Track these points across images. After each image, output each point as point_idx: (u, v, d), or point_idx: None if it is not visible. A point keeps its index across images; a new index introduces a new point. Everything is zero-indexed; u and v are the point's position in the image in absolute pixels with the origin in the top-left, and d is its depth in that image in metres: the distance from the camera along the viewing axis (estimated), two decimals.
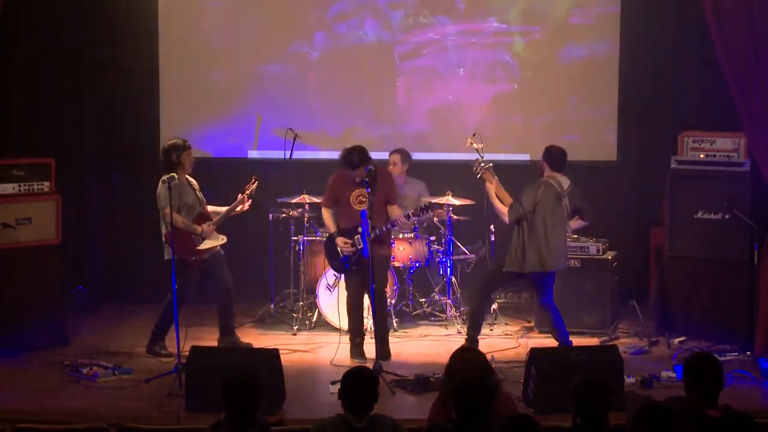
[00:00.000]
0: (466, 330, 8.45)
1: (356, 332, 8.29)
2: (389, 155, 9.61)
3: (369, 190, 7.76)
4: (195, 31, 10.33)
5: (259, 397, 5.09)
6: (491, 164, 8.28)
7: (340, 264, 8.22)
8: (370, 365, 7.80)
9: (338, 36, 10.25)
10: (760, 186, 8.28)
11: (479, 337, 8.35)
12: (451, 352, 5.67)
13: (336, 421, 5.01)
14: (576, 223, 8.26)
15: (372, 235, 7.87)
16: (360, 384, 5.07)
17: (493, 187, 8.18)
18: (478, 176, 8.29)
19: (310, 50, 10.27)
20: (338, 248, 8.15)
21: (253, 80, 10.32)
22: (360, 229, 8.00)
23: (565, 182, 8.07)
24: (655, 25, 9.83)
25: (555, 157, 8.12)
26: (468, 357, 5.56)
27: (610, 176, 9.98)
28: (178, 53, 10.32)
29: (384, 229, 7.99)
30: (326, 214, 8.30)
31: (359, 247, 8.00)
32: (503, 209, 8.08)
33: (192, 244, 8.19)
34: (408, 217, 7.97)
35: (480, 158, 8.34)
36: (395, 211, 8.10)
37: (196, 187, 8.39)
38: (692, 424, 4.88)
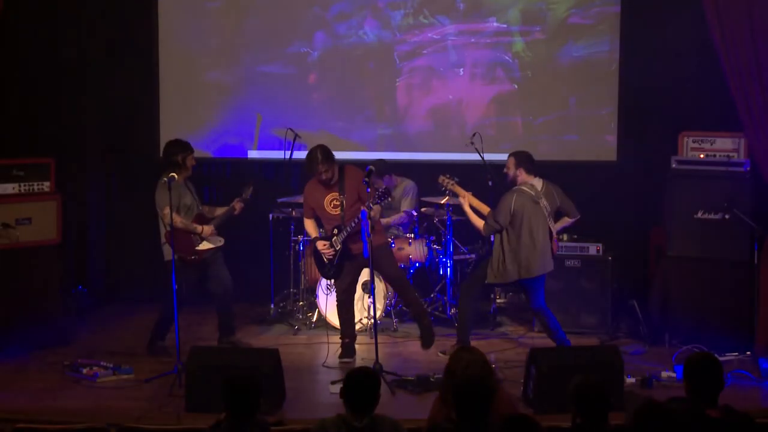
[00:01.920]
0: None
1: (345, 333, 8.31)
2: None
3: (369, 190, 7.74)
4: (195, 31, 10.33)
5: (259, 397, 5.09)
6: (457, 179, 8.32)
7: (326, 270, 8.22)
8: (357, 364, 7.85)
9: (338, 36, 10.25)
10: (760, 186, 8.29)
11: (475, 337, 8.37)
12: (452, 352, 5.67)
13: (336, 421, 5.02)
14: (563, 222, 8.26)
15: (344, 234, 7.88)
16: (362, 385, 5.07)
17: (465, 201, 8.21)
18: (447, 193, 8.37)
19: (310, 50, 10.27)
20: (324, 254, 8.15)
21: (253, 80, 10.32)
22: (335, 231, 8.00)
23: (538, 183, 8.08)
24: (655, 25, 9.82)
25: (528, 160, 8.11)
26: (468, 357, 5.56)
27: (610, 176, 9.98)
28: (178, 53, 10.32)
29: (353, 224, 7.91)
30: (308, 224, 8.31)
31: (338, 248, 8.01)
32: (478, 222, 8.13)
33: (191, 244, 8.19)
34: (369, 207, 7.83)
35: (444, 176, 8.32)
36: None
37: (192, 188, 8.38)
38: (692, 425, 4.88)
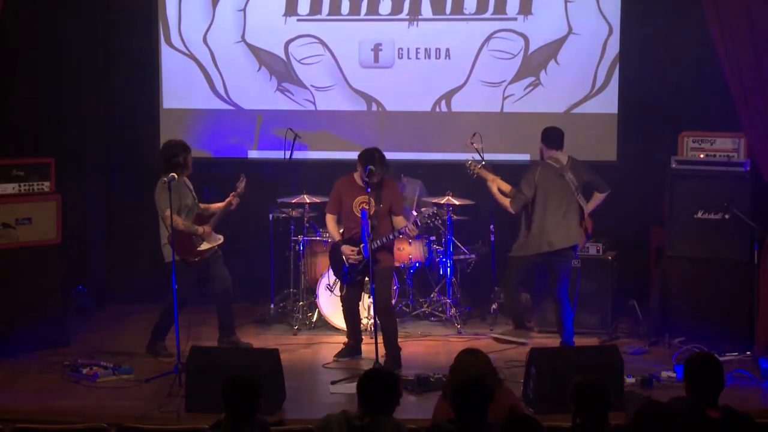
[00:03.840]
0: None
1: (350, 335, 8.36)
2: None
3: (369, 190, 7.76)
4: (196, 30, 10.32)
5: (259, 397, 5.09)
6: (484, 162, 8.35)
7: (342, 274, 8.22)
8: (354, 365, 7.84)
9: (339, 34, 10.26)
10: (760, 186, 8.29)
11: (475, 337, 8.38)
12: (451, 353, 5.67)
13: (339, 418, 5.01)
14: (596, 199, 8.43)
15: (377, 244, 7.88)
16: (378, 385, 5.05)
17: (494, 184, 8.29)
18: (474, 177, 8.46)
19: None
20: (343, 257, 8.15)
21: (254, 80, 10.32)
22: (367, 235, 8.00)
23: (563, 158, 8.22)
24: (655, 26, 9.82)
25: (550, 136, 8.28)
26: (470, 358, 5.57)
27: (610, 176, 9.95)
28: (178, 52, 10.32)
29: (390, 237, 8.01)
30: (330, 221, 8.28)
31: (366, 257, 8.02)
32: (505, 201, 8.24)
33: (193, 245, 8.19)
34: (416, 224, 8.04)
35: (471, 160, 8.37)
36: (400, 223, 8.09)
37: (191, 188, 8.39)
38: (692, 425, 4.87)
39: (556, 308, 8.39)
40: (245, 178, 8.44)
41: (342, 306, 8.40)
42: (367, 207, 7.84)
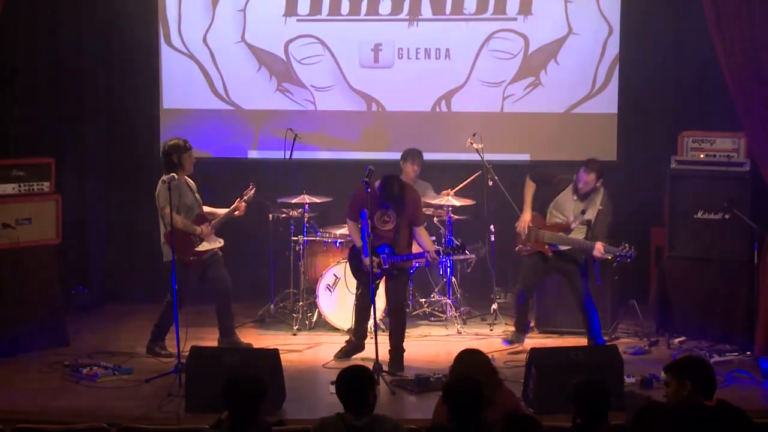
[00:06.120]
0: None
1: (355, 332, 8.33)
2: (404, 162, 9.42)
3: (369, 190, 7.74)
4: (196, 30, 10.33)
5: (264, 399, 5.07)
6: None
7: (365, 277, 8.16)
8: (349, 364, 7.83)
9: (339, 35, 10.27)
10: (760, 186, 8.28)
11: (475, 337, 8.34)
12: (451, 353, 5.67)
13: (335, 420, 5.00)
14: None
15: (393, 262, 7.90)
16: (351, 384, 5.05)
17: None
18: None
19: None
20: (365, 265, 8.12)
21: (254, 80, 10.32)
22: (387, 251, 7.96)
23: None
24: (655, 26, 9.82)
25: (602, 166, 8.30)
26: (470, 358, 5.57)
27: (610, 176, 9.94)
28: (178, 52, 10.32)
29: (410, 257, 8.03)
30: (352, 227, 8.18)
31: (385, 267, 7.98)
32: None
33: (191, 245, 8.19)
34: (438, 253, 8.02)
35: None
36: (423, 234, 8.08)
37: (194, 188, 8.39)
38: (688, 414, 4.89)
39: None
40: (255, 187, 8.43)
41: (355, 303, 8.33)
42: (390, 226, 7.85)
